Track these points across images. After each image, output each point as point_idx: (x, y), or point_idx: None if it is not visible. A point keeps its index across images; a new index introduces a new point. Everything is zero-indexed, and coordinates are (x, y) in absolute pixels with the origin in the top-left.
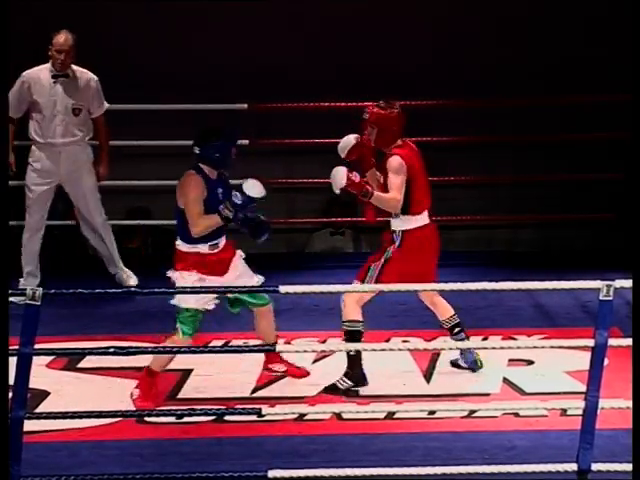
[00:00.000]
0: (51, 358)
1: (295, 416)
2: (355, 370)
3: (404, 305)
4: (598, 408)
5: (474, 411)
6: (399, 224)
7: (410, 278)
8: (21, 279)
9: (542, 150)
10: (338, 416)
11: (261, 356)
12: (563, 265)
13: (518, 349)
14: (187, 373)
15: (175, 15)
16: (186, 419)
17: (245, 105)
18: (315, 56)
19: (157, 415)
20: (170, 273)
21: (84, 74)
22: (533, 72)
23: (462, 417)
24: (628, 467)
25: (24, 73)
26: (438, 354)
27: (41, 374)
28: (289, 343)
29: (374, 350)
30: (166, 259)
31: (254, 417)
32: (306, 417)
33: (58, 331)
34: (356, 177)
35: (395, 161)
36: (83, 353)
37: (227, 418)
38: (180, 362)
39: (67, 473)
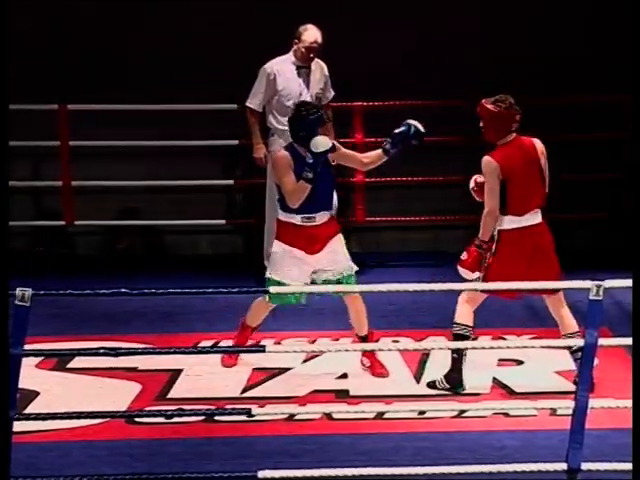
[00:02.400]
0: (41, 358)
1: (285, 416)
2: (454, 373)
3: (394, 305)
4: (588, 408)
5: (464, 411)
6: (498, 224)
7: (509, 278)
8: None
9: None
10: (328, 416)
11: (250, 356)
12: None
13: (508, 349)
14: (177, 373)
15: (164, 14)
16: (176, 419)
17: (235, 105)
18: None
19: (147, 415)
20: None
21: (318, 63)
22: (532, 72)
23: (452, 417)
24: (618, 466)
25: (266, 66)
26: (428, 354)
27: (31, 374)
28: (279, 343)
29: (364, 350)
30: (155, 259)
31: (244, 417)
32: (296, 417)
33: (48, 332)
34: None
35: (484, 163)
36: (73, 354)
37: (217, 418)
38: (170, 362)
39: (57, 474)
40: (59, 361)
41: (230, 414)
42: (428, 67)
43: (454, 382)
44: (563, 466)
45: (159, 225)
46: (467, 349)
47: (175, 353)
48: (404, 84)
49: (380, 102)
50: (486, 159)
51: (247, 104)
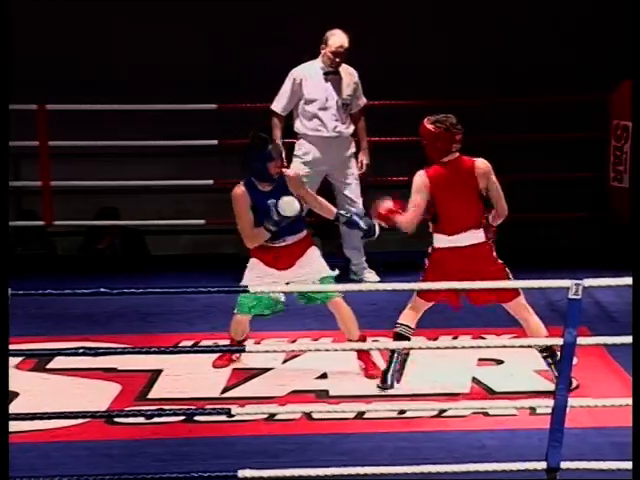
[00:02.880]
0: (20, 359)
1: (265, 416)
2: (388, 372)
3: (374, 305)
4: (567, 407)
5: (444, 410)
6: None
7: (436, 296)
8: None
9: (515, 149)
10: (308, 416)
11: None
12: (532, 264)
13: (487, 348)
14: (157, 373)
15: (145, 15)
16: (156, 419)
17: (214, 105)
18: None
19: (126, 416)
20: None
21: (347, 69)
22: (514, 73)
23: (432, 417)
24: (597, 465)
25: (293, 71)
26: (408, 354)
27: (10, 375)
28: (259, 343)
29: (344, 350)
30: (134, 259)
31: (224, 417)
32: (276, 417)
33: (27, 332)
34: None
35: (415, 177)
36: (52, 354)
37: (197, 418)
38: (150, 362)
39: (37, 474)
40: (38, 361)
41: (210, 414)
42: (412, 67)
43: (386, 380)
44: (543, 465)
45: (139, 225)
46: (407, 349)
47: (155, 353)
48: (388, 85)
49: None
50: (417, 173)
51: (271, 107)
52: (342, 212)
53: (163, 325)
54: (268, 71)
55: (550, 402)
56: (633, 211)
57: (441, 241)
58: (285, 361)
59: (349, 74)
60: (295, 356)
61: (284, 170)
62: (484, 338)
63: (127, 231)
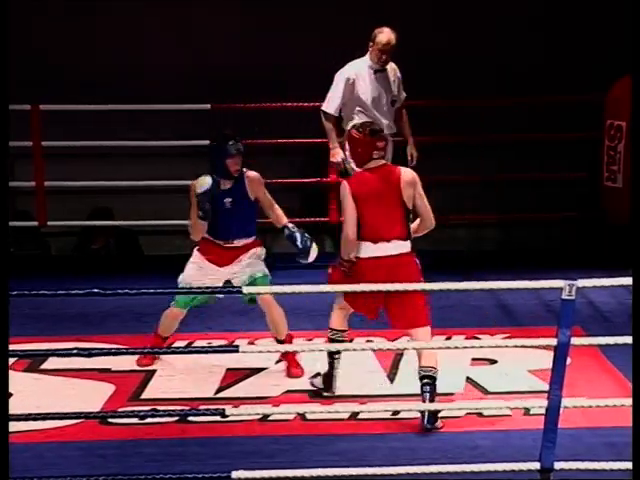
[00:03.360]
0: (14, 359)
1: (259, 416)
2: (327, 377)
3: None
4: (561, 407)
5: (438, 411)
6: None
7: (361, 307)
8: None
9: (504, 150)
10: (302, 416)
11: (224, 357)
12: (526, 264)
13: (481, 348)
14: (150, 374)
15: (138, 17)
16: (150, 420)
17: (208, 105)
18: (278, 57)
19: (120, 416)
20: None
21: (391, 65)
22: (509, 73)
23: None
24: (591, 466)
25: (344, 70)
26: (402, 354)
27: None
28: (252, 343)
29: (338, 350)
30: (128, 259)
31: (218, 418)
32: (270, 417)
33: (21, 332)
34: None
35: (340, 187)
36: (46, 354)
37: (191, 419)
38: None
39: (31, 475)
40: (32, 362)
41: (204, 415)
42: (411, 66)
43: (326, 386)
44: (536, 465)
45: (133, 225)
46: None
47: (149, 354)
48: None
49: None
50: (342, 183)
51: (322, 108)
52: (289, 226)
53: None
54: (264, 71)
55: (544, 402)
56: (633, 211)
57: (367, 249)
58: (279, 361)
59: (393, 69)
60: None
61: (246, 170)
62: (478, 338)
63: (121, 231)
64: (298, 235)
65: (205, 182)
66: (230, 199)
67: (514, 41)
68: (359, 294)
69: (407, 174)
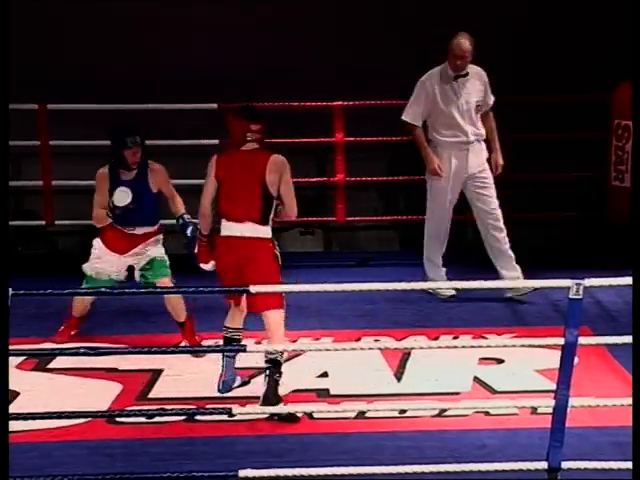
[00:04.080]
0: (21, 359)
1: (266, 416)
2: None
3: (375, 304)
4: (568, 406)
5: (445, 410)
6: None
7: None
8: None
9: (510, 149)
10: (309, 415)
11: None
12: (533, 264)
13: (488, 348)
14: (157, 373)
15: (144, 15)
16: (157, 419)
17: (215, 105)
18: (280, 57)
19: (127, 415)
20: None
21: (476, 70)
22: (516, 72)
23: (433, 416)
24: (598, 465)
25: (424, 78)
26: (409, 353)
27: (11, 375)
28: (259, 343)
29: (344, 350)
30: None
31: (225, 417)
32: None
33: (28, 332)
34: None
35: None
36: (53, 353)
37: (198, 418)
38: (150, 362)
39: (38, 474)
40: (40, 361)
41: (211, 414)
42: (411, 66)
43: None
44: (544, 465)
45: None
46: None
47: (156, 353)
48: (383, 84)
49: (360, 102)
50: (211, 158)
51: (403, 117)
52: (185, 217)
53: (164, 325)
54: (274, 70)
55: (551, 402)
56: (633, 211)
57: (222, 228)
58: (286, 360)
59: (478, 74)
60: (296, 355)
61: (151, 162)
62: (485, 338)
63: None
64: (190, 226)
65: (124, 196)
66: (125, 188)
67: (519, 40)
68: (228, 273)
69: (275, 161)
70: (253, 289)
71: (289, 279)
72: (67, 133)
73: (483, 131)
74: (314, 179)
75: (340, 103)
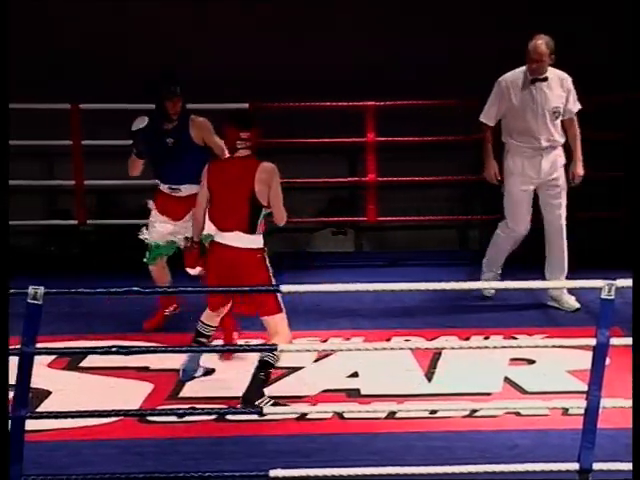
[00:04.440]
0: (53, 357)
1: (296, 415)
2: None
3: (406, 304)
4: (600, 407)
5: (475, 410)
6: None
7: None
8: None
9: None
10: (339, 415)
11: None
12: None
13: (519, 348)
14: None
15: (177, 15)
16: (187, 418)
17: (246, 104)
18: (314, 57)
19: (158, 414)
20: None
21: (558, 74)
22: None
23: (463, 416)
24: (629, 467)
25: (501, 79)
26: (440, 353)
27: (42, 374)
28: (290, 342)
29: (375, 349)
30: (178, 259)
31: (255, 416)
32: (307, 416)
33: (60, 331)
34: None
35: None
36: (85, 352)
37: (228, 417)
38: (181, 361)
39: (68, 472)
40: (71, 360)
41: (241, 413)
42: (440, 67)
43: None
44: (575, 466)
45: None
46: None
47: (187, 352)
48: (417, 84)
49: (392, 102)
50: (206, 165)
51: (480, 118)
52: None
53: (194, 324)
54: (300, 71)
55: (583, 403)
56: (633, 211)
57: (215, 235)
58: (316, 360)
59: (560, 79)
60: (326, 355)
61: (193, 116)
62: (516, 338)
63: None
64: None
65: (140, 121)
66: (172, 140)
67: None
68: (215, 278)
69: (264, 169)
70: (285, 288)
71: (321, 279)
72: (100, 133)
73: (560, 138)
74: (346, 179)
75: (372, 103)
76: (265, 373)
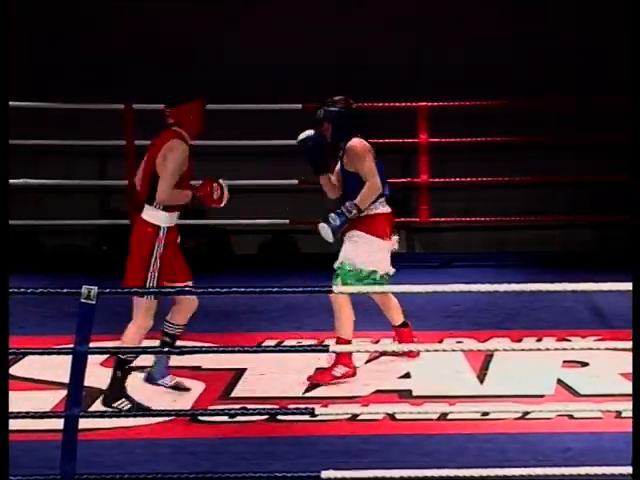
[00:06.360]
0: (106, 356)
1: (348, 416)
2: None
3: (458, 306)
4: None
5: (528, 412)
6: None
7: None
8: None
9: (604, 150)
10: (391, 416)
11: (313, 355)
12: (619, 266)
13: (572, 350)
14: (240, 372)
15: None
16: (239, 418)
17: (299, 105)
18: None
19: (210, 414)
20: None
21: None
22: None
23: (516, 418)
24: None
25: None
26: (491, 355)
27: (96, 373)
28: (377, 342)
29: (427, 351)
30: (220, 259)
31: (307, 417)
32: (359, 417)
33: (112, 330)
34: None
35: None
36: (137, 352)
37: (280, 418)
38: (233, 361)
39: (121, 471)
40: None
41: (293, 414)
42: (491, 68)
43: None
44: (629, 470)
45: (224, 225)
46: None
47: (239, 352)
48: (469, 85)
49: (445, 102)
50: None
51: None
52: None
53: (247, 324)
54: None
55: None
56: (633, 211)
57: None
58: (368, 361)
59: None
60: (378, 356)
61: (353, 141)
62: (569, 340)
63: (213, 231)
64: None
65: (302, 134)
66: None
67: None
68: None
69: (170, 144)
70: (336, 289)
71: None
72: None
73: None
74: (398, 180)
75: (425, 104)
76: (121, 370)
